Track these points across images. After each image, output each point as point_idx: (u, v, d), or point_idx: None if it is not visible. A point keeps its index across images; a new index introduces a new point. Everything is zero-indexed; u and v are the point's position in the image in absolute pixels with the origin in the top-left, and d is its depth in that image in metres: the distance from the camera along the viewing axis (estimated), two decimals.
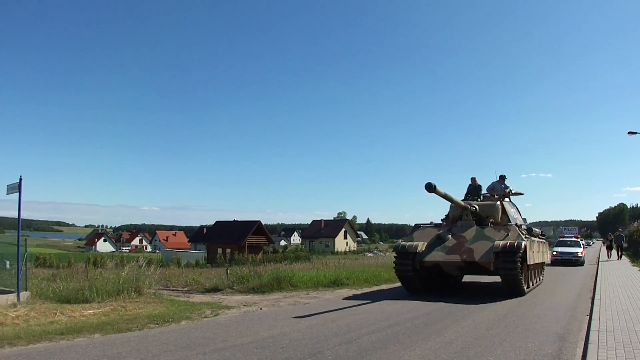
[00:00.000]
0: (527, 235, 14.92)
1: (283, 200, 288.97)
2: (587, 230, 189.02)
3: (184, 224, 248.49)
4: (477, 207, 16.08)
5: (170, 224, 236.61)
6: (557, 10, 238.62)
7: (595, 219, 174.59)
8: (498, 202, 16.47)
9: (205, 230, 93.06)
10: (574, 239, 37.59)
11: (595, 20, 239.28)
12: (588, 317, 10.58)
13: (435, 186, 13.10)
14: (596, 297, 13.27)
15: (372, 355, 7.19)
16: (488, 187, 18.19)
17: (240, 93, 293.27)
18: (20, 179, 11.73)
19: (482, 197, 17.44)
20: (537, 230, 18.21)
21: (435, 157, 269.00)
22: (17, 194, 11.82)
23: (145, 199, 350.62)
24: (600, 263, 29.93)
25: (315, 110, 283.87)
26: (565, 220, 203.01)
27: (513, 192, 18.47)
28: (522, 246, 13.58)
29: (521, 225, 16.07)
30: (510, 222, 15.92)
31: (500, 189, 18.06)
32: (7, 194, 12.00)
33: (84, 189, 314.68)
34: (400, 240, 16.13)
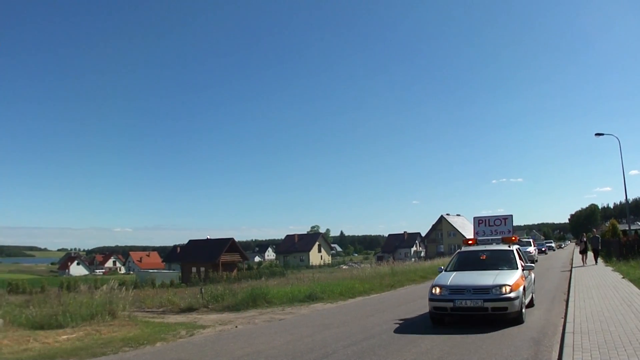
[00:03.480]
0: None
1: (256, 217, 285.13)
2: (560, 232, 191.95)
3: (157, 244, 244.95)
4: None
5: (144, 244, 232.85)
6: (519, 16, 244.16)
7: (567, 221, 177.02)
8: None
9: (178, 249, 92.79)
10: (501, 246, 13.06)
11: (560, 24, 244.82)
12: (563, 319, 10.70)
13: None
14: (570, 299, 13.42)
15: None
16: None
17: (208, 110, 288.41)
18: None
19: None
20: None
21: (405, 166, 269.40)
22: None
23: (117, 220, 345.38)
24: (574, 269, 25.79)
25: (284, 124, 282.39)
26: (539, 224, 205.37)
27: None
28: None
29: None
30: None
31: None
32: None
33: (55, 212, 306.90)
34: None
